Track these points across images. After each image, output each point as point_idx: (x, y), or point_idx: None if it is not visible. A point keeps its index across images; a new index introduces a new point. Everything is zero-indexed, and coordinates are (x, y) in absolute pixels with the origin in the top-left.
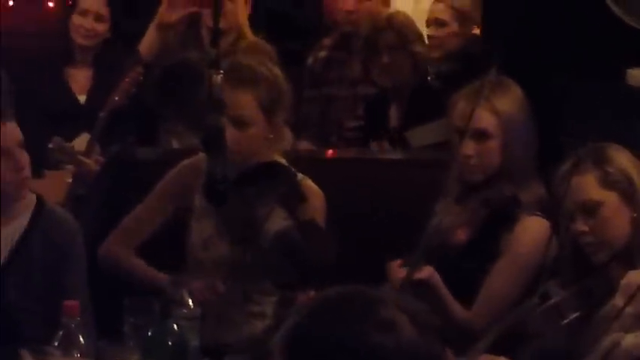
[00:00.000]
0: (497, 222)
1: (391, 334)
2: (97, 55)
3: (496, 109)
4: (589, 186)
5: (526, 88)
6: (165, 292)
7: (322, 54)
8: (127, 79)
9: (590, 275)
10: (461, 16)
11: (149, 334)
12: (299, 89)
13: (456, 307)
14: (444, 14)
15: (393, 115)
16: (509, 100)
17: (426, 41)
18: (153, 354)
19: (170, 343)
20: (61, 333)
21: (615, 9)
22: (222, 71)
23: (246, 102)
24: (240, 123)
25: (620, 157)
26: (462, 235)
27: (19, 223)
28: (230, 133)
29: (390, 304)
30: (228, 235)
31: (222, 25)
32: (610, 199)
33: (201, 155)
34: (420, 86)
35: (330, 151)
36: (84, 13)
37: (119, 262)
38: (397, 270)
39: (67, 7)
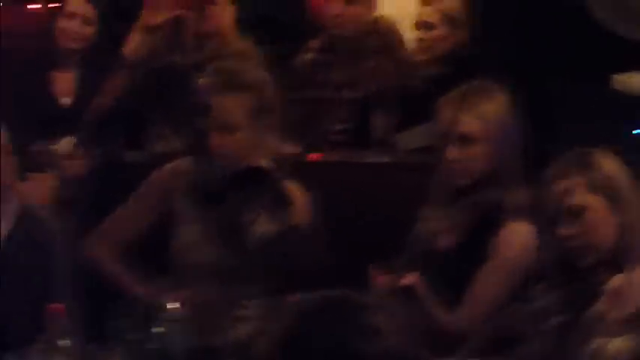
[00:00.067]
0: (484, 226)
1: (375, 339)
2: (83, 58)
3: (481, 114)
4: (575, 190)
5: (514, 93)
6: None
7: (308, 56)
8: (112, 82)
9: (576, 279)
10: (449, 19)
11: (134, 338)
12: (285, 92)
13: (441, 312)
14: (433, 17)
15: (379, 118)
16: (494, 104)
17: (415, 44)
18: (138, 358)
19: (155, 347)
20: (45, 336)
21: (600, 17)
22: (208, 75)
23: (232, 107)
24: (226, 127)
25: (606, 162)
26: (448, 240)
27: (4, 225)
28: (216, 138)
29: (375, 310)
30: (214, 239)
31: (206, 28)
32: (596, 203)
33: (185, 159)
34: (407, 90)
35: (316, 155)
36: (71, 15)
37: (102, 265)
38: (381, 276)
39: (52, 10)
